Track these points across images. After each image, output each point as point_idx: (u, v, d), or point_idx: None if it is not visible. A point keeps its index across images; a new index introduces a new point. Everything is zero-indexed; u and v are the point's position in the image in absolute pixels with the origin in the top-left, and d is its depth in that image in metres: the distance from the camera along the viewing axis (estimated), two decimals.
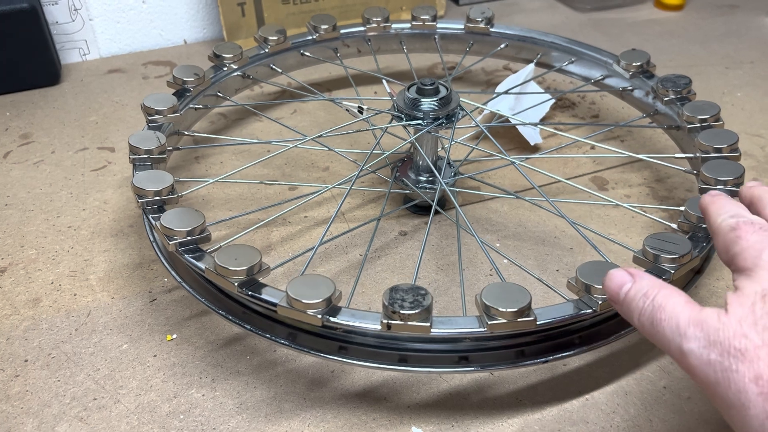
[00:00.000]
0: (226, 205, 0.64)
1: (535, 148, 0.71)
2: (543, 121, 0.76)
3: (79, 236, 0.61)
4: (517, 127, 0.70)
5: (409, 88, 0.58)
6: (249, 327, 0.46)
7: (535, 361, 0.44)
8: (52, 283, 0.56)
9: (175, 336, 0.51)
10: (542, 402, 0.47)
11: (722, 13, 1.01)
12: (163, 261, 0.51)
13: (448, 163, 0.63)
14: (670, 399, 0.47)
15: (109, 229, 0.62)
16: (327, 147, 0.64)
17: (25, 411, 0.46)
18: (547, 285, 0.49)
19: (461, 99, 0.59)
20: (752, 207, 0.40)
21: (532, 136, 0.70)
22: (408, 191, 0.61)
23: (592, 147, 0.72)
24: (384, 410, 0.46)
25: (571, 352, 0.44)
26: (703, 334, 0.32)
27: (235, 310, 0.48)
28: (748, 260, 0.34)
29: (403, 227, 0.62)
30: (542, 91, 0.77)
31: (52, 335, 0.52)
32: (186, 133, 0.64)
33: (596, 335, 0.46)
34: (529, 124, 0.67)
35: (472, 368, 0.44)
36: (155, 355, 0.50)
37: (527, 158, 0.67)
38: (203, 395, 0.47)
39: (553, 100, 0.76)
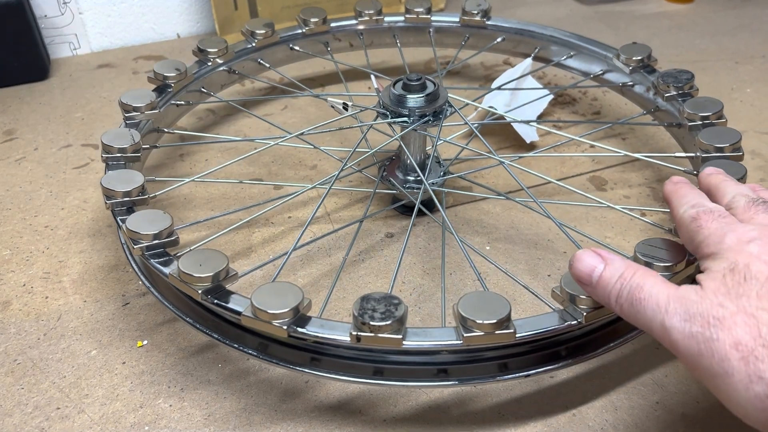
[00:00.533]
0: (208, 204, 0.62)
1: (532, 146, 0.68)
2: (541, 117, 0.73)
3: (55, 236, 0.59)
4: (512, 124, 0.67)
5: (395, 84, 0.56)
6: (217, 336, 0.44)
7: (517, 375, 0.41)
8: (24, 285, 0.54)
9: (146, 342, 0.49)
10: (526, 417, 0.44)
11: (734, 6, 0.98)
12: (133, 264, 0.49)
13: (438, 162, 0.61)
14: (662, 416, 0.44)
15: (87, 229, 0.60)
16: (312, 144, 0.62)
17: None
18: (533, 293, 0.46)
19: (450, 95, 0.56)
20: (710, 195, 0.41)
21: (528, 133, 0.67)
22: (395, 191, 0.59)
23: (591, 145, 0.69)
24: (359, 424, 0.44)
25: (556, 366, 0.42)
26: (683, 308, 0.32)
27: (205, 318, 0.45)
28: (711, 246, 0.35)
29: (390, 229, 0.59)
30: (539, 86, 0.74)
31: (20, 340, 0.50)
32: (166, 130, 0.62)
33: (585, 347, 0.43)
34: (522, 121, 0.64)
35: (451, 382, 0.41)
36: (124, 362, 0.48)
37: (520, 157, 0.64)
38: (170, 405, 0.45)
39: (551, 96, 0.73)
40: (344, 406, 0.45)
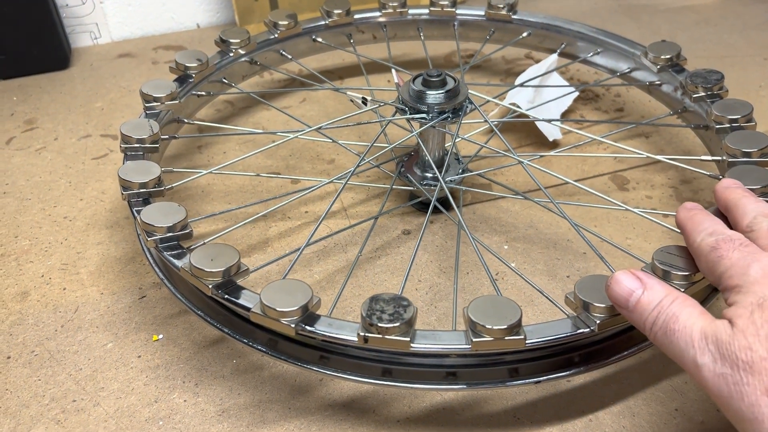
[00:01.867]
0: (225, 197, 0.62)
1: (554, 144, 0.67)
2: (565, 114, 0.71)
3: (74, 227, 0.59)
4: (535, 122, 0.66)
5: (414, 80, 0.55)
6: (227, 330, 0.44)
7: (527, 381, 0.40)
8: (43, 276, 0.55)
9: (161, 336, 0.50)
10: (541, 421, 0.44)
11: (764, 0, 0.95)
12: (148, 256, 0.49)
13: (457, 159, 0.60)
14: (681, 423, 0.43)
15: (105, 221, 0.60)
16: (330, 138, 0.61)
17: (2, 411, 0.45)
18: (547, 297, 0.45)
19: (470, 92, 0.55)
20: (728, 213, 0.39)
21: (551, 131, 0.66)
22: (412, 188, 0.58)
23: (613, 145, 0.68)
24: (372, 424, 0.44)
25: (568, 373, 0.41)
26: (714, 346, 0.31)
27: (217, 312, 0.45)
28: (734, 278, 0.34)
29: (407, 225, 0.59)
30: (564, 83, 0.72)
31: (38, 331, 0.50)
32: (186, 120, 0.62)
33: (599, 354, 0.42)
34: (543, 120, 0.63)
35: (459, 386, 0.41)
36: (139, 356, 0.48)
37: (542, 156, 0.63)
38: (185, 401, 0.45)
39: (576, 93, 0.72)
40: (358, 405, 0.45)
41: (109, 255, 0.57)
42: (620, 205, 0.51)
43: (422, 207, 0.60)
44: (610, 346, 0.43)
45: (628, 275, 0.36)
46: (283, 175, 0.64)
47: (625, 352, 0.42)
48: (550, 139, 0.66)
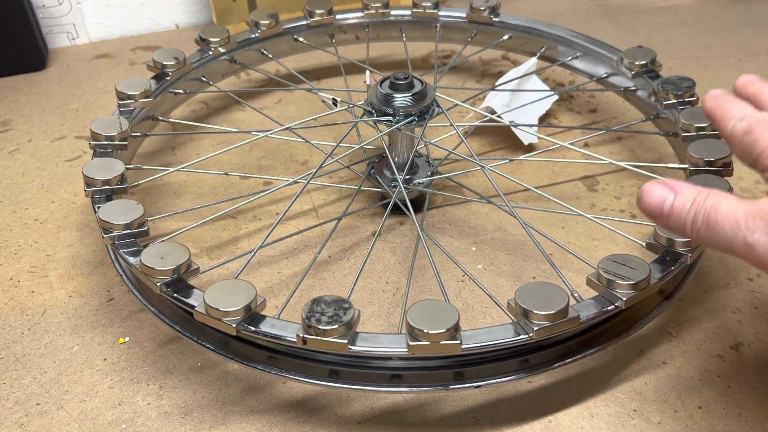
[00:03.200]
0: (197, 198, 0.62)
1: (530, 147, 0.67)
2: (544, 117, 0.71)
3: (44, 230, 0.59)
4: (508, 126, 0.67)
5: (382, 83, 0.55)
6: (179, 329, 0.44)
7: (468, 385, 0.41)
8: (11, 279, 0.55)
9: (127, 339, 0.50)
10: (501, 422, 0.44)
11: (740, 1, 0.96)
12: (111, 254, 0.49)
13: (427, 162, 0.60)
14: (639, 424, 0.44)
15: (76, 223, 0.60)
16: (303, 138, 0.61)
17: None
18: (495, 302, 0.45)
19: (438, 95, 0.56)
20: (754, 103, 0.39)
21: (526, 135, 0.67)
22: (380, 189, 0.59)
23: (585, 144, 0.68)
24: (333, 425, 0.44)
25: (508, 378, 0.42)
26: (763, 222, 0.32)
27: (174, 311, 0.46)
28: None
29: (377, 227, 0.59)
30: (543, 87, 0.73)
31: (4, 334, 0.50)
32: (161, 118, 0.62)
33: (546, 358, 0.43)
34: (511, 124, 0.63)
35: (402, 389, 0.41)
36: (105, 359, 0.48)
37: (511, 160, 0.63)
38: (149, 403, 0.45)
39: (555, 97, 0.72)
40: (319, 404, 0.45)
41: (79, 257, 0.57)
42: (575, 211, 0.52)
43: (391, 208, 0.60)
44: (552, 352, 0.43)
45: (656, 184, 0.36)
46: (255, 175, 0.64)
47: (568, 360, 0.42)
48: (526, 143, 0.67)
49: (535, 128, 0.68)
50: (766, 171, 0.35)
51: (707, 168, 0.50)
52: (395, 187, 0.57)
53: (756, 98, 0.40)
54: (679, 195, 0.35)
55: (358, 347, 0.38)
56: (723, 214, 0.33)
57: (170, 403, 0.45)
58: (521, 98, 0.70)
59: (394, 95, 0.54)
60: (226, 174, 0.62)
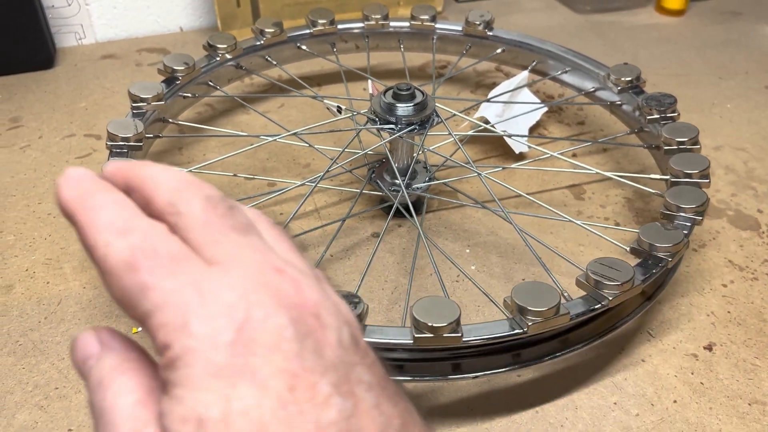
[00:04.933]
0: None
1: (521, 156, 0.71)
2: (534, 128, 0.75)
3: (57, 224, 0.62)
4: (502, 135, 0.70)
5: (386, 92, 0.59)
6: None
7: (466, 375, 0.45)
8: (27, 270, 0.57)
9: (140, 329, 0.53)
10: (492, 412, 0.47)
11: (723, 20, 1.00)
12: None
13: (425, 168, 0.64)
14: (618, 415, 0.47)
15: None
16: (307, 143, 0.65)
17: None
18: (491, 300, 0.49)
19: (438, 105, 0.59)
20: (135, 196, 0.24)
21: (517, 144, 0.70)
22: (381, 193, 0.62)
23: (574, 154, 0.72)
24: None
25: (503, 370, 0.45)
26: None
27: None
28: (170, 336, 0.21)
29: (377, 229, 0.62)
30: (533, 99, 0.76)
31: (22, 323, 0.53)
32: (171, 120, 0.65)
33: (532, 353, 0.47)
34: (504, 134, 0.67)
35: (405, 378, 0.45)
36: None
37: (504, 168, 0.67)
38: None
39: (545, 109, 0.76)
40: None
41: None
42: (564, 217, 0.55)
43: (390, 211, 0.64)
44: (544, 347, 0.47)
45: (90, 337, 0.25)
46: (260, 177, 0.67)
47: (558, 354, 0.46)
48: (517, 152, 0.70)
49: (526, 138, 0.71)
50: (162, 354, 0.21)
51: (687, 180, 0.54)
52: (396, 191, 0.61)
53: (142, 186, 0.24)
54: (99, 361, 0.24)
55: (368, 339, 0.41)
56: (106, 421, 0.22)
57: None
58: (513, 109, 0.74)
59: (397, 105, 0.57)
60: (234, 175, 0.64)
